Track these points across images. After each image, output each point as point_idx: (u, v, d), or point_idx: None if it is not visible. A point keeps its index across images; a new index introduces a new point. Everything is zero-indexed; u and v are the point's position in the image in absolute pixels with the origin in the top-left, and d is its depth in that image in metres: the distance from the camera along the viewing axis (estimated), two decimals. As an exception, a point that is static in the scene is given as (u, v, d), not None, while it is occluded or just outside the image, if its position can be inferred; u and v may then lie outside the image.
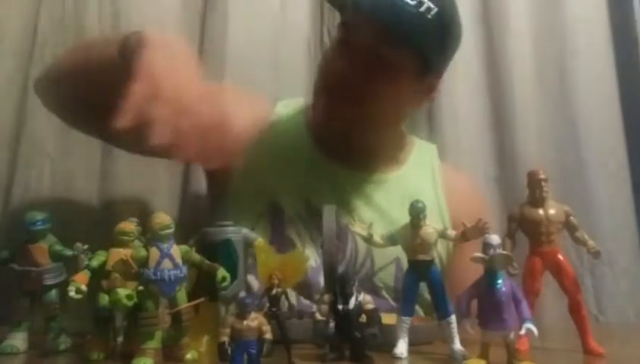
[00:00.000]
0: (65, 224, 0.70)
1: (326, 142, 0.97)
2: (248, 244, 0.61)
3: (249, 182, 0.93)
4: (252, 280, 0.76)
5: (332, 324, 0.56)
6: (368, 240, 0.62)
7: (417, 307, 0.73)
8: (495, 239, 0.54)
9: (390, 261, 0.90)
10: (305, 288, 0.86)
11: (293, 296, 0.80)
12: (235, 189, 0.94)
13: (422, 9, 0.82)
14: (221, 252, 0.59)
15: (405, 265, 0.88)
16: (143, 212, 0.98)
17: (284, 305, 0.61)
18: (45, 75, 0.95)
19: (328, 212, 0.66)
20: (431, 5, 0.83)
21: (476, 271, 0.56)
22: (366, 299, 0.57)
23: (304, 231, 0.91)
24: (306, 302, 0.86)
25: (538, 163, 1.20)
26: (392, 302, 0.88)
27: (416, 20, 0.82)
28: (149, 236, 0.55)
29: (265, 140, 0.75)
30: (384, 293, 0.91)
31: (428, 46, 0.86)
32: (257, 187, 0.93)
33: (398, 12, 0.81)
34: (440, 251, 0.94)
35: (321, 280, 0.71)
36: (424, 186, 0.99)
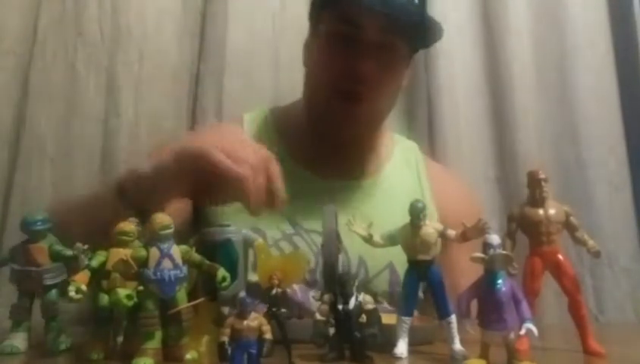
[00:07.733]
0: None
1: (302, 151, 0.95)
2: (248, 244, 0.61)
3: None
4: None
5: (332, 324, 0.56)
6: (369, 240, 0.62)
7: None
8: (495, 239, 0.54)
9: (384, 267, 0.89)
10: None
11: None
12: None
13: None
14: (221, 252, 0.59)
15: (398, 269, 0.88)
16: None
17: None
18: None
19: (328, 212, 0.66)
20: None
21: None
22: (366, 299, 0.57)
23: (290, 249, 0.88)
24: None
25: (538, 163, 1.20)
26: (388, 306, 0.88)
27: (412, 7, 0.88)
28: (149, 236, 0.55)
29: None
30: (379, 298, 0.90)
31: (421, 28, 0.91)
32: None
33: (402, 2, 0.85)
34: None
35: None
36: (408, 187, 0.99)
